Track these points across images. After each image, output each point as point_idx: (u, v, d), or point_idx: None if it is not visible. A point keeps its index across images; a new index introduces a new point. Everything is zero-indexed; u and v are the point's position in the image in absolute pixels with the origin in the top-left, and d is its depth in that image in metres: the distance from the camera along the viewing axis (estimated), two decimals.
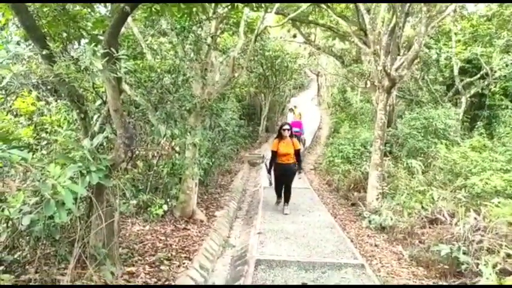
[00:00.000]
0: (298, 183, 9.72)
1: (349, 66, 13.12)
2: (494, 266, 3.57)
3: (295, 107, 15.30)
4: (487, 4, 13.05)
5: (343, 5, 10.89)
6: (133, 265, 3.89)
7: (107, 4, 3.85)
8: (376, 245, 5.47)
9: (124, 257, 3.99)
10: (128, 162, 4.69)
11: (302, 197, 8.32)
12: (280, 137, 6.84)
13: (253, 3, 4.45)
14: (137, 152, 5.21)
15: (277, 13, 9.45)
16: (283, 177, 6.90)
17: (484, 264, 3.62)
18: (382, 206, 6.89)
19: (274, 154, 6.84)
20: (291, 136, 6.85)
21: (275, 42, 14.19)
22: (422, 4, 7.55)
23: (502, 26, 12.21)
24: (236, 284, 3.93)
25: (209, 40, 5.71)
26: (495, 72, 12.02)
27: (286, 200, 7.02)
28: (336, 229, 5.99)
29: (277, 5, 7.70)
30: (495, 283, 3.29)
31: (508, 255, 3.63)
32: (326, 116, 20.79)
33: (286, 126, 6.83)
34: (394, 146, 11.12)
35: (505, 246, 3.74)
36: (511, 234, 4.04)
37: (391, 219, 6.14)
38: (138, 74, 5.07)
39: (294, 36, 13.55)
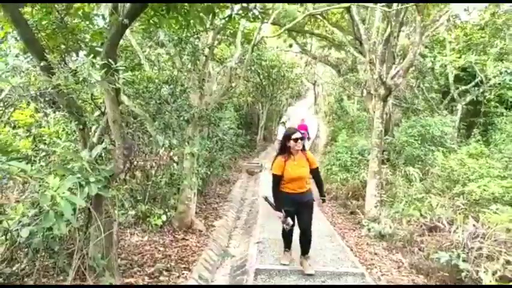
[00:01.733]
0: None
1: (345, 75, 13.23)
2: (494, 273, 3.58)
3: (286, 120, 15.58)
4: (480, 13, 13.26)
5: (338, 15, 11.04)
6: (133, 276, 3.86)
7: (106, 16, 3.90)
8: (375, 253, 5.45)
9: (123, 268, 3.97)
10: (126, 172, 4.69)
11: None
12: (285, 152, 4.29)
13: (249, 16, 4.52)
14: (135, 162, 5.22)
15: (273, 23, 9.57)
16: (297, 215, 4.35)
17: (484, 272, 3.62)
18: (380, 214, 6.89)
19: (278, 180, 4.26)
20: (303, 150, 4.35)
21: (272, 52, 14.32)
22: (416, 13, 7.67)
23: (495, 34, 12.39)
24: None
25: (206, 51, 5.77)
26: (490, 79, 12.16)
27: (305, 251, 4.46)
28: (335, 238, 5.97)
29: (273, 15, 7.80)
30: None
31: (508, 262, 3.63)
32: (323, 124, 20.87)
33: (297, 135, 4.22)
34: (392, 153, 11.15)
35: (504, 253, 3.74)
36: (509, 240, 4.05)
37: (390, 227, 6.14)
38: (136, 85, 5.10)
39: (290, 46, 13.67)
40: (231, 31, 6.46)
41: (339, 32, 9.82)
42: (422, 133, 11.01)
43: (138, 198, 5.18)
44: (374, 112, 8.15)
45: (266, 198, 4.56)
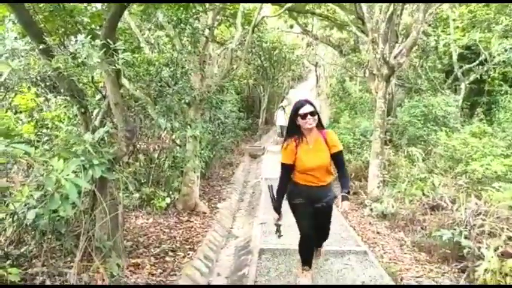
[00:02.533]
0: None
1: (348, 56, 13.07)
2: (495, 249, 3.61)
3: (287, 105, 14.98)
4: None
5: None
6: (139, 257, 3.93)
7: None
8: (378, 232, 5.51)
9: (129, 249, 4.03)
10: (129, 155, 4.71)
11: None
12: (295, 133, 3.23)
13: None
14: (139, 145, 5.23)
15: (273, 3, 9.40)
16: (315, 216, 3.31)
17: (486, 248, 3.65)
18: (383, 194, 6.93)
19: (288, 172, 3.27)
20: (320, 127, 3.26)
21: (272, 33, 14.12)
22: None
23: (501, 10, 12.13)
24: (241, 272, 3.98)
25: (206, 32, 5.69)
26: (494, 57, 11.97)
27: (308, 262, 3.58)
28: (338, 218, 6.02)
29: None
30: (496, 266, 3.33)
31: (509, 238, 3.66)
32: (325, 106, 20.74)
33: (305, 108, 3.13)
34: (394, 134, 11.11)
35: (506, 229, 3.77)
36: (511, 217, 4.07)
37: (393, 206, 6.18)
38: (137, 67, 5.07)
39: (291, 27, 13.46)
40: (231, 12, 6.36)
41: (341, 11, 9.64)
42: (425, 113, 10.94)
43: (142, 181, 5.22)
44: (376, 93, 8.08)
45: (271, 188, 3.38)
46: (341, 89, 17.71)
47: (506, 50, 11.61)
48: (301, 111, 3.13)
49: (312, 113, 3.12)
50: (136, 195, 4.85)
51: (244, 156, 12.37)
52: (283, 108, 14.37)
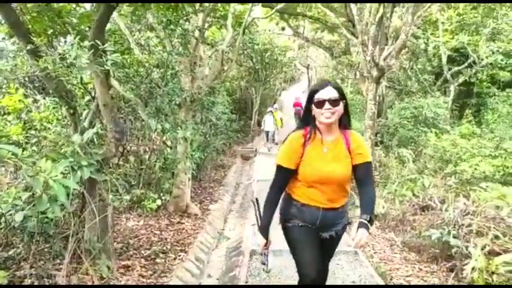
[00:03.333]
0: None
1: (339, 58, 13.18)
2: (483, 248, 3.66)
3: (275, 109, 14.23)
4: None
5: None
6: (129, 259, 3.90)
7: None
8: (369, 233, 5.54)
9: (119, 251, 4.01)
10: (119, 157, 4.69)
11: None
12: (308, 124, 2.26)
13: None
14: (129, 147, 5.21)
15: (264, 5, 9.45)
16: (320, 250, 2.34)
17: (473, 247, 3.70)
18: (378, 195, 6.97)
19: (286, 178, 2.28)
20: (343, 126, 2.26)
21: (264, 35, 14.18)
22: None
23: (488, 14, 12.34)
24: (232, 273, 3.97)
25: (197, 33, 5.69)
26: (482, 60, 12.18)
27: None
28: None
29: None
30: (483, 264, 3.38)
31: (496, 237, 3.71)
32: None
33: (327, 92, 2.12)
34: (385, 135, 11.23)
35: (493, 228, 3.83)
36: (498, 216, 4.13)
37: (383, 207, 6.22)
38: (126, 69, 5.05)
39: (283, 29, 13.53)
40: (221, 13, 6.38)
41: (331, 14, 9.73)
42: (415, 114, 11.08)
43: (133, 183, 5.19)
44: (367, 94, 8.16)
45: (256, 203, 2.41)
46: None
47: (493, 53, 11.82)
48: (318, 96, 2.10)
49: (334, 102, 2.07)
50: (127, 197, 4.82)
51: (236, 158, 12.37)
52: (272, 113, 13.62)
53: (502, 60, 11.61)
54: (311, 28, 13.70)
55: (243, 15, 7.39)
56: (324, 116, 2.10)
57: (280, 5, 7.57)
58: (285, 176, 2.24)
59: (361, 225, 2.14)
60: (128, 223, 4.96)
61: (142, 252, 4.15)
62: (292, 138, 2.23)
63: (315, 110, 2.14)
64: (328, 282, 3.71)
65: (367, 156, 2.21)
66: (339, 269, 4.02)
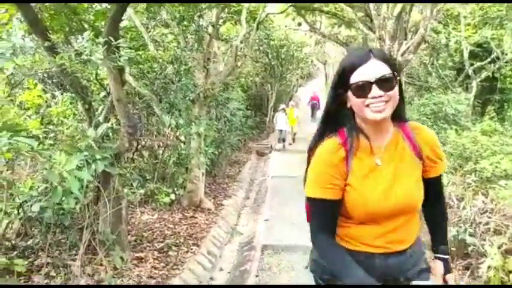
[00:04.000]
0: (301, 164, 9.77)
1: None
2: (499, 247, 3.56)
3: (291, 106, 13.46)
4: None
5: None
6: (142, 251, 3.99)
7: None
8: None
9: (133, 243, 4.10)
10: (133, 152, 4.79)
11: None
12: (342, 126, 1.37)
13: None
14: (143, 142, 5.30)
15: (279, 0, 9.40)
16: None
17: (490, 245, 3.61)
18: None
19: (329, 217, 1.36)
20: (398, 119, 1.37)
21: (280, 31, 14.11)
22: None
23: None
24: (243, 268, 4.01)
25: (210, 29, 5.73)
26: (506, 55, 11.77)
27: None
28: None
29: None
30: (500, 263, 3.29)
31: None
32: None
33: (373, 69, 1.23)
34: None
35: (511, 227, 3.72)
36: None
37: None
38: (141, 65, 5.13)
39: (299, 24, 13.43)
40: (235, 9, 6.39)
41: (349, 8, 9.59)
42: (435, 111, 10.81)
43: (147, 177, 5.28)
44: None
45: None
46: None
47: None
48: (357, 76, 1.26)
49: (387, 83, 1.25)
50: (141, 191, 4.91)
51: (251, 154, 12.40)
52: (284, 110, 12.66)
53: None
54: (328, 23, 13.53)
55: (257, 11, 7.38)
56: (372, 109, 1.24)
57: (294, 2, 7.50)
58: (328, 213, 1.34)
59: (442, 262, 1.49)
60: (142, 216, 5.05)
61: (156, 245, 4.23)
62: (325, 152, 1.33)
63: (354, 101, 1.27)
64: None
65: (443, 164, 1.42)
66: None
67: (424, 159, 1.37)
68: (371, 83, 1.23)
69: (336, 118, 1.37)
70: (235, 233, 5.49)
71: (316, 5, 11.02)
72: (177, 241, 4.46)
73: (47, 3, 3.55)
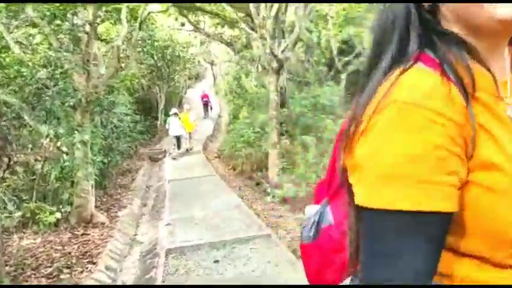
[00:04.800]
0: (203, 170, 9.78)
1: (241, 53, 13.47)
2: None
3: (186, 110, 12.60)
4: None
5: None
6: (27, 280, 3.50)
7: None
8: (280, 216, 5.85)
9: (14, 273, 3.56)
10: (4, 170, 4.15)
11: (209, 184, 8.39)
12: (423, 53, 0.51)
13: None
14: (15, 157, 4.62)
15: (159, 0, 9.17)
16: None
17: None
18: (282, 180, 7.38)
19: (434, 250, 0.47)
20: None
21: (164, 31, 13.76)
22: None
23: (369, 9, 13.81)
24: (148, 275, 3.84)
25: (88, 28, 5.28)
26: (366, 49, 13.62)
27: None
28: (242, 208, 6.21)
29: None
30: None
31: None
32: (224, 103, 21.09)
33: None
34: (289, 125, 11.89)
35: None
36: None
37: (292, 191, 6.63)
38: (6, 69, 4.47)
39: (182, 24, 13.31)
40: (114, 7, 6.00)
41: (230, 8, 9.88)
42: (314, 103, 11.96)
43: (24, 197, 4.63)
44: (270, 86, 8.54)
45: None
46: (238, 85, 18.21)
47: None
48: None
49: None
50: (18, 213, 4.29)
51: (144, 160, 11.85)
52: (177, 115, 11.65)
53: None
54: (211, 23, 13.72)
55: (138, 9, 7.07)
56: None
57: None
58: (438, 244, 0.49)
59: None
60: (21, 242, 4.42)
61: (43, 271, 3.76)
62: (423, 98, 0.46)
63: None
64: (245, 265, 3.85)
65: None
66: (254, 252, 4.17)
67: None
68: None
69: (405, 31, 0.54)
70: (135, 243, 5.22)
71: (198, 4, 11.06)
72: (69, 262, 4.04)
73: None
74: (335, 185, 0.72)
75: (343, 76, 14.29)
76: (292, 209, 6.12)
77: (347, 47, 14.76)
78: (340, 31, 14.42)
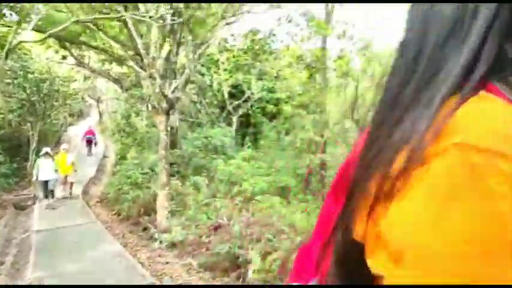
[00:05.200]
0: (80, 218, 8.79)
1: (130, 91, 12.99)
2: (261, 252, 4.22)
3: (64, 150, 10.82)
4: (243, 39, 15.66)
5: (116, 28, 10.73)
6: None
7: None
8: (167, 262, 5.51)
9: None
10: None
11: (87, 232, 7.52)
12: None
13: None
14: None
15: (37, 31, 8.39)
16: None
17: (252, 250, 4.22)
18: (171, 223, 7.06)
19: None
20: None
21: (41, 63, 12.50)
22: (188, 34, 8.36)
23: (255, 58, 14.94)
24: None
25: None
26: (254, 95, 14.56)
27: None
28: (124, 257, 5.69)
29: (34, 20, 6.85)
30: (260, 265, 3.88)
31: (269, 240, 4.37)
32: (111, 143, 19.76)
33: None
34: (182, 165, 11.68)
35: (266, 233, 4.49)
36: (270, 223, 4.89)
37: (181, 234, 6.36)
38: None
39: (64, 57, 12.31)
40: None
41: (118, 46, 9.56)
42: (206, 144, 12.08)
43: None
44: (160, 125, 8.32)
45: None
46: (127, 124, 17.38)
47: (262, 89, 14.36)
48: None
49: None
50: None
51: (6, 209, 10.10)
52: (50, 155, 9.77)
53: (267, 95, 14.24)
54: (98, 59, 13.01)
55: (6, 37, 6.31)
56: None
57: (53, 31, 6.86)
58: None
59: None
60: None
61: None
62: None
63: None
64: None
65: None
66: None
67: None
68: None
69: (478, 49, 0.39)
70: None
71: (82, 39, 10.43)
72: None
73: None
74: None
75: (234, 118, 14.88)
76: (180, 255, 5.84)
77: (237, 91, 15.56)
78: (231, 76, 15.18)
